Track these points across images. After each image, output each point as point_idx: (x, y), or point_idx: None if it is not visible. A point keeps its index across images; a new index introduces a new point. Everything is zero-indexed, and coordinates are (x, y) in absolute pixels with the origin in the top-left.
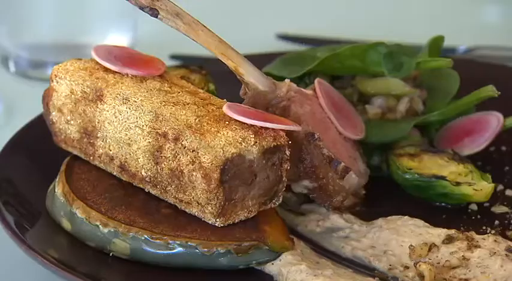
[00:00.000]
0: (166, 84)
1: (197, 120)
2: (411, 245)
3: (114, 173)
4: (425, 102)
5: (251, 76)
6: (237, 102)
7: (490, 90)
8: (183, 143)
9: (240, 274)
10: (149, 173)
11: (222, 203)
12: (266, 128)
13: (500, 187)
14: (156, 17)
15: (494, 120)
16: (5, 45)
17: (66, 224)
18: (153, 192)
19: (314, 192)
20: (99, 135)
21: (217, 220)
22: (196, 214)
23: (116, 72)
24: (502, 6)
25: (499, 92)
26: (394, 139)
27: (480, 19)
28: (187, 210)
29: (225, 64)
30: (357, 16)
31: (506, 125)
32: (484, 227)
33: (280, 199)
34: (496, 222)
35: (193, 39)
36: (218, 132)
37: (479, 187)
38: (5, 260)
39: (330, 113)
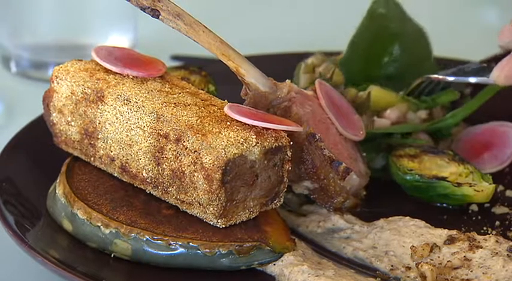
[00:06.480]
0: (167, 85)
1: (198, 121)
2: (413, 246)
3: (115, 174)
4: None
5: (252, 77)
6: (237, 103)
7: None
8: (184, 144)
9: (242, 275)
10: (150, 174)
11: (224, 204)
12: (267, 129)
13: (501, 188)
14: (157, 18)
15: None
16: (6, 45)
17: (67, 225)
18: (154, 193)
19: (315, 193)
20: (100, 136)
21: (219, 220)
22: (197, 214)
23: (117, 73)
24: (500, 8)
25: None
26: (400, 132)
27: (479, 21)
28: (188, 211)
29: (226, 65)
30: (356, 19)
31: None
32: (484, 228)
33: (282, 200)
34: (497, 223)
35: (194, 40)
36: (219, 133)
37: (480, 188)
38: (5, 260)
39: (331, 113)
